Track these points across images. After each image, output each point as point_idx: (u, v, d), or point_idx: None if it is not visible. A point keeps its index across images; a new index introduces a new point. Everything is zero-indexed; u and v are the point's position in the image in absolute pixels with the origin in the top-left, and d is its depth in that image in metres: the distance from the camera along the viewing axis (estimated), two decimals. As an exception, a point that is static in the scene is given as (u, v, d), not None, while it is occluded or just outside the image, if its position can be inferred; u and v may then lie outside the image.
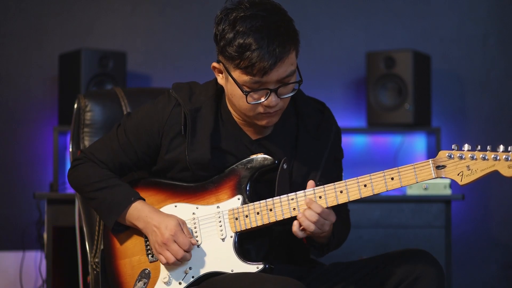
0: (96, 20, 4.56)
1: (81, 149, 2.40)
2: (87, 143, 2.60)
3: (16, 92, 4.51)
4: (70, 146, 2.64)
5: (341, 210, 2.28)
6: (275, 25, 2.10)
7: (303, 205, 2.15)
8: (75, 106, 2.66)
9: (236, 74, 2.12)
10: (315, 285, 2.26)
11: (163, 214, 2.22)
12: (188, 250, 2.18)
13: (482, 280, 4.49)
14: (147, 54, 4.58)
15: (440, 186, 3.82)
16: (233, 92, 2.17)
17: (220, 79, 2.22)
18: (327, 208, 2.15)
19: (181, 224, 2.19)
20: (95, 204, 2.29)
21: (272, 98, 2.13)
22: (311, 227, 2.13)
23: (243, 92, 2.12)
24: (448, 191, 3.82)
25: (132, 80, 4.47)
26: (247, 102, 2.14)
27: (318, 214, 2.13)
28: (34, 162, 4.47)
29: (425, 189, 3.82)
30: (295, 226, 2.16)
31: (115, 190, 2.26)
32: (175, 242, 2.17)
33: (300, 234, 2.17)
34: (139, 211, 2.23)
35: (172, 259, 2.17)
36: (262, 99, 2.13)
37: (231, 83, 2.15)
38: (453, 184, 3.86)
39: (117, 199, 2.24)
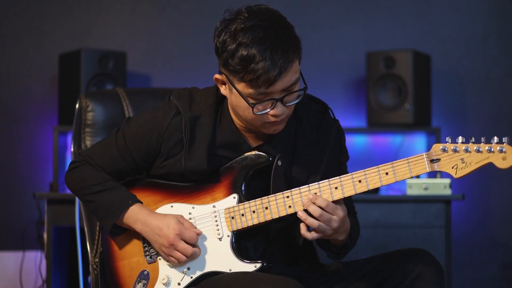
0: (96, 20, 4.56)
1: (79, 151, 2.40)
2: (88, 143, 2.60)
3: (16, 92, 4.51)
4: (72, 146, 2.65)
5: (349, 212, 2.26)
6: (276, 34, 2.08)
7: (299, 203, 2.14)
8: (77, 106, 2.66)
9: (241, 86, 2.11)
10: (315, 285, 2.25)
11: (160, 216, 2.21)
12: (195, 243, 2.17)
13: (482, 280, 4.49)
14: (147, 54, 4.58)
15: (440, 186, 3.81)
16: (238, 103, 2.16)
17: (223, 90, 2.21)
18: (335, 202, 2.11)
19: (180, 220, 2.19)
20: (93, 206, 2.28)
21: (278, 107, 2.12)
22: (315, 223, 2.10)
23: (249, 104, 2.11)
24: (448, 191, 3.81)
25: (132, 80, 4.47)
26: (254, 114, 2.13)
27: (323, 208, 2.10)
28: (34, 162, 4.47)
29: (425, 189, 3.81)
30: (302, 229, 2.12)
31: (113, 193, 2.25)
32: (182, 240, 2.17)
33: (309, 235, 2.12)
34: (136, 214, 2.22)
35: (183, 258, 2.17)
36: (268, 109, 2.12)
37: (236, 95, 2.14)
38: (453, 184, 3.86)
39: (114, 202, 2.24)
